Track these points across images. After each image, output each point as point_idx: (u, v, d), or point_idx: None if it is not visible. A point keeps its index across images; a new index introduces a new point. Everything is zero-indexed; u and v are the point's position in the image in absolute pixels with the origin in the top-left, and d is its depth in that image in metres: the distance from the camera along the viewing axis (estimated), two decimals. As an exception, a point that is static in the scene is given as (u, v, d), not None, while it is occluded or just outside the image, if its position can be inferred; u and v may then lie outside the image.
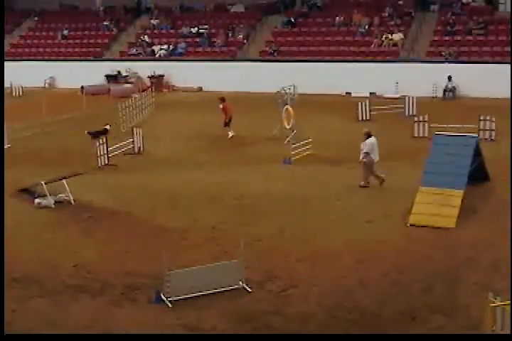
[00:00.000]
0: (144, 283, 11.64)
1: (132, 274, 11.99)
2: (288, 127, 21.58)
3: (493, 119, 21.61)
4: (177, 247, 13.21)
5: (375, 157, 16.90)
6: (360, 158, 16.87)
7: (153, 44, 37.39)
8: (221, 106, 23.14)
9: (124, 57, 37.46)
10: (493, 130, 21.55)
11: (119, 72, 35.82)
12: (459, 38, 32.25)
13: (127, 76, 35.62)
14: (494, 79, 28.66)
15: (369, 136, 17.01)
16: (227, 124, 23.08)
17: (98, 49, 38.46)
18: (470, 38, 32.10)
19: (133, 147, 21.11)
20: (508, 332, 9.14)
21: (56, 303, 11.00)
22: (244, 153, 20.91)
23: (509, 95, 27.92)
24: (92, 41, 39.15)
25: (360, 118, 25.59)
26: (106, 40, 39.07)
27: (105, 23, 39.68)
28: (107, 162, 19.66)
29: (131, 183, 17.80)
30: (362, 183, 16.92)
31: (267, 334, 9.90)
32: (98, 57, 37.92)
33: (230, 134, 22.85)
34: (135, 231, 14.32)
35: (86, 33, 39.95)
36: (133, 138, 21.14)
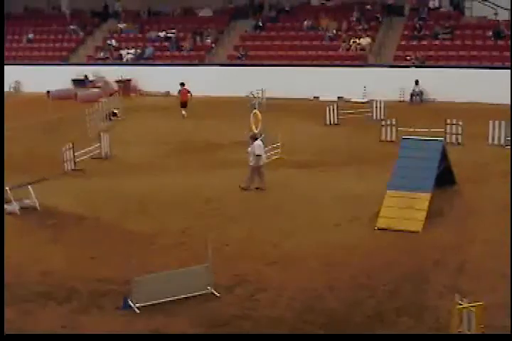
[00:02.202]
0: (112, 289, 11.51)
1: (100, 280, 11.85)
2: (256, 131, 21.55)
3: (460, 123, 21.84)
4: (145, 252, 13.11)
5: (263, 160, 17.29)
6: (253, 162, 17.08)
7: (120, 48, 37.17)
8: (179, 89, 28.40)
9: (91, 61, 37.20)
10: (459, 134, 21.77)
11: (85, 76, 35.54)
12: (425, 42, 32.58)
13: (94, 80, 35.35)
14: (461, 84, 28.99)
15: (255, 139, 17.28)
16: (182, 106, 27.88)
17: (64, 53, 38.12)
18: (437, 42, 32.45)
19: (100, 152, 20.96)
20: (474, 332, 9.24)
21: (22, 311, 10.83)
22: (212, 158, 20.85)
23: (474, 100, 28.36)
24: (58, 45, 38.79)
25: (328, 123, 25.71)
26: (72, 44, 38.75)
27: (72, 27, 39.33)
28: (73, 167, 19.47)
29: (98, 188, 17.64)
30: (261, 186, 17.19)
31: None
32: (64, 61, 37.58)
33: (183, 112, 27.73)
34: (103, 236, 14.17)
35: (52, 36, 39.58)
36: (100, 142, 20.99)
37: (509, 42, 30.75)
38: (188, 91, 28.10)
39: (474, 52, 31.15)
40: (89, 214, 15.57)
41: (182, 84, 28.42)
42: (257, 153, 17.00)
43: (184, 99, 28.14)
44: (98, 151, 20.97)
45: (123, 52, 36.80)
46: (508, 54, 30.24)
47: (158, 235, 14.17)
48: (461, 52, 31.44)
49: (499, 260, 12.42)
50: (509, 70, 28.26)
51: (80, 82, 35.51)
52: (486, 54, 30.85)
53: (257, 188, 17.21)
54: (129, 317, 10.62)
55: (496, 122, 21.55)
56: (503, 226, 14.05)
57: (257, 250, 13.28)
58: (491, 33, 31.45)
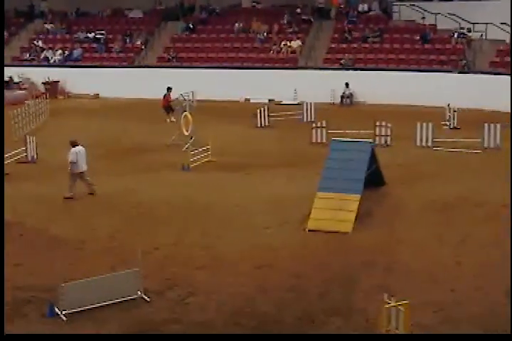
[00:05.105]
0: (37, 296, 11.18)
1: (23, 288, 11.49)
2: (186, 134, 21.40)
3: (389, 125, 22.17)
4: (73, 258, 12.82)
5: (83, 167, 16.97)
6: (69, 168, 16.90)
7: (47, 49, 36.38)
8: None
9: (16, 62, 36.26)
10: (388, 136, 22.10)
11: (11, 78, 34.63)
12: (355, 45, 32.98)
13: (20, 82, 34.50)
14: (389, 86, 29.49)
15: (75, 145, 17.05)
16: (166, 111, 26.86)
17: (-12, 54, 37.08)
18: (366, 45, 32.88)
19: (26, 155, 20.44)
20: (403, 331, 9.36)
21: None
22: (142, 161, 20.58)
23: (402, 102, 28.88)
24: (-19, 46, 37.69)
25: (259, 125, 25.74)
26: (-3, 45, 37.71)
27: (-5, 28, 38.27)
28: (-2, 171, 18.92)
29: (24, 193, 17.17)
30: (68, 195, 16.82)
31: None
32: (-11, 63, 36.55)
33: (171, 118, 26.28)
34: (28, 243, 13.78)
35: (-24, 37, 38.44)
36: (26, 146, 20.47)
37: (435, 46, 31.50)
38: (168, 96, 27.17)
39: (402, 56, 31.72)
40: (15, 220, 15.09)
41: (168, 89, 27.27)
42: (69, 159, 16.75)
43: (163, 104, 27.25)
44: (24, 154, 20.44)
45: (50, 53, 36.03)
46: (434, 57, 30.99)
47: (86, 240, 13.87)
48: (390, 55, 31.97)
49: (426, 259, 12.65)
50: (433, 73, 29.65)
51: (5, 84, 34.55)
52: (413, 57, 31.47)
53: (90, 194, 16.95)
54: (56, 325, 10.33)
55: (424, 124, 21.97)
56: (430, 227, 14.34)
57: (186, 254, 13.15)
58: (418, 37, 32.09)
